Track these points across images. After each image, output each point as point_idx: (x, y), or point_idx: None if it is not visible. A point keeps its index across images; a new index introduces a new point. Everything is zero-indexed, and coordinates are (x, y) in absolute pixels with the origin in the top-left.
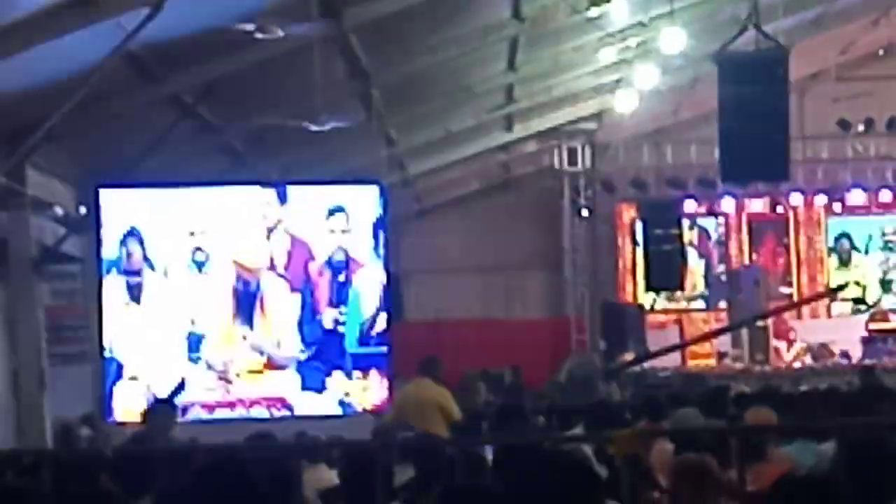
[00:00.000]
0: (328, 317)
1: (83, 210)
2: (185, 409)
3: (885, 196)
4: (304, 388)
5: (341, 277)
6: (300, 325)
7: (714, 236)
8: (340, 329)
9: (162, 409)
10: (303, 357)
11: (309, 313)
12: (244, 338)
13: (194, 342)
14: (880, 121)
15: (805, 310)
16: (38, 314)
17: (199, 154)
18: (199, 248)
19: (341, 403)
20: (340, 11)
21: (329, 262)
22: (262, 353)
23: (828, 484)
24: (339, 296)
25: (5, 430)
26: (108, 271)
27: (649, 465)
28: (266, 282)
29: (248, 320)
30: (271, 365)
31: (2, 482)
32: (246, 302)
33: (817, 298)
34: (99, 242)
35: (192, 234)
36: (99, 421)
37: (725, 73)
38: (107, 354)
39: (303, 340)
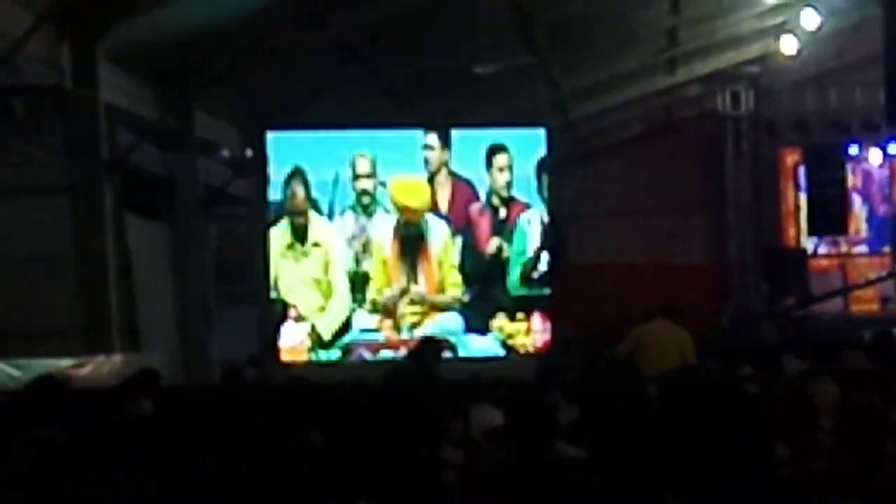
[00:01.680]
0: (491, 246)
1: (249, 152)
2: (350, 350)
3: None
4: (468, 329)
5: (502, 215)
6: (462, 265)
7: (878, 181)
8: (503, 259)
9: None
10: (465, 298)
11: (470, 252)
12: (408, 291)
13: (359, 284)
14: None
15: None
16: (205, 255)
17: (363, 97)
18: (364, 192)
19: (504, 345)
20: None
21: (490, 203)
22: (427, 307)
23: None
24: (501, 231)
25: (173, 370)
26: (274, 213)
27: (816, 406)
28: (429, 224)
29: (412, 262)
30: (435, 307)
31: (170, 417)
32: (409, 244)
33: None
34: (265, 184)
35: (357, 176)
36: (265, 362)
37: (893, 13)
38: (273, 295)
39: (465, 281)
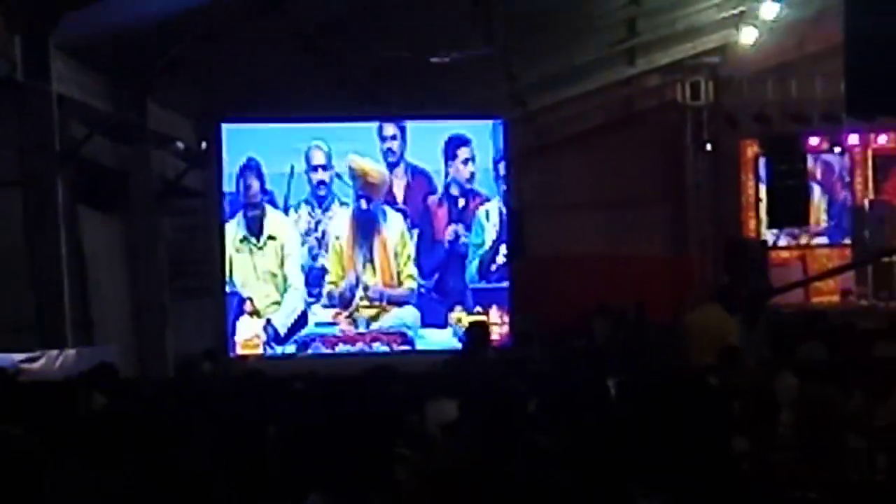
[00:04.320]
0: (449, 233)
1: (204, 144)
2: (306, 344)
3: None
4: (425, 323)
5: (461, 205)
6: (419, 256)
7: (838, 172)
8: (461, 248)
9: None
10: (423, 290)
11: (428, 243)
12: (364, 282)
13: (315, 277)
14: None
15: None
16: (159, 248)
17: (319, 88)
18: (321, 183)
19: (461, 338)
20: None
21: (448, 194)
22: (384, 301)
23: None
24: (459, 219)
25: (128, 363)
26: (228, 206)
27: (776, 399)
28: (385, 215)
29: (368, 254)
30: (392, 300)
31: (125, 409)
32: (365, 234)
33: None
34: (219, 176)
35: (312, 167)
36: (220, 355)
37: (853, 4)
38: (228, 289)
39: (421, 273)
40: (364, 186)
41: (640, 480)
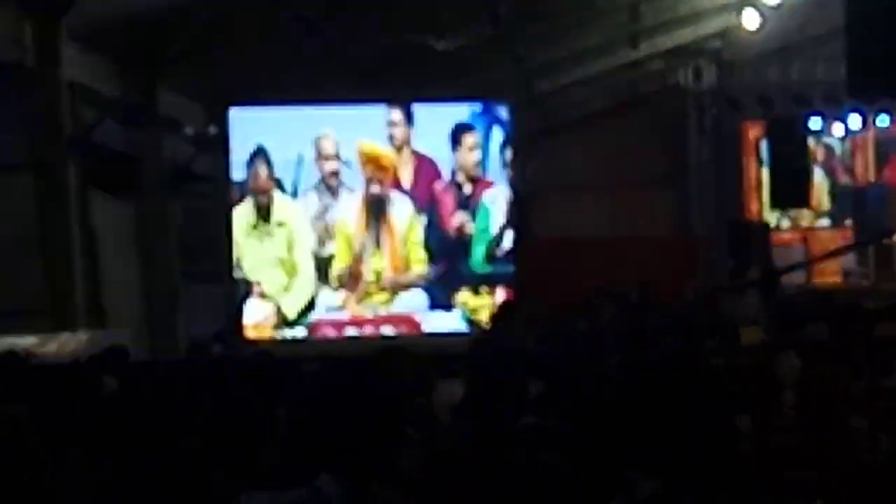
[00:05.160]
0: (455, 222)
1: (213, 129)
2: (315, 328)
3: None
4: (432, 306)
5: (467, 192)
6: (426, 242)
7: (840, 154)
8: (467, 237)
9: None
10: (429, 275)
11: (434, 229)
12: (373, 269)
13: (323, 262)
14: None
15: None
16: (170, 233)
17: (326, 74)
18: (331, 173)
19: (468, 321)
20: None
21: (454, 180)
22: (392, 285)
23: None
24: (465, 206)
25: (139, 347)
26: (238, 191)
27: (778, 379)
28: (393, 201)
29: (377, 239)
30: (399, 285)
31: (136, 392)
32: (374, 220)
33: None
34: (229, 162)
35: (322, 157)
36: (230, 338)
37: None
38: (237, 274)
39: (429, 258)
40: (373, 170)
41: (641, 461)
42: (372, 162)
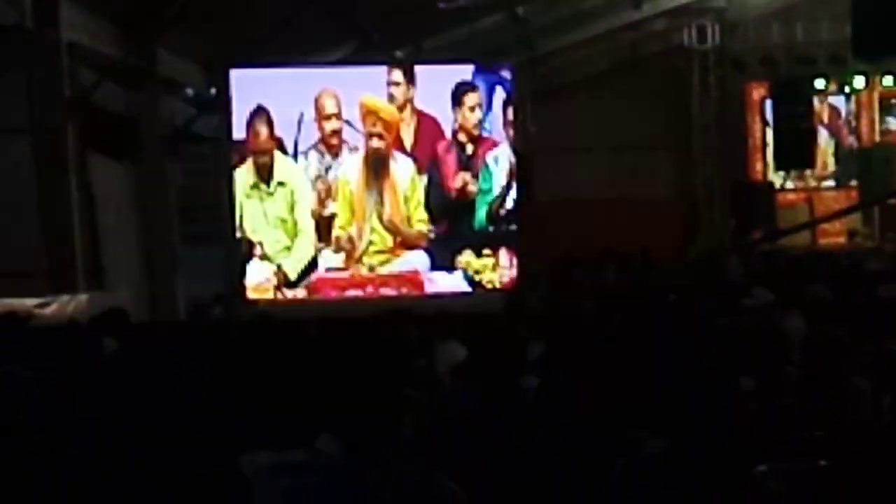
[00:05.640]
0: (458, 182)
1: (213, 91)
2: (316, 289)
3: None
4: (434, 267)
5: (469, 152)
6: (428, 202)
7: (844, 114)
8: (469, 197)
9: None
10: (432, 235)
11: (437, 189)
12: (379, 216)
13: (324, 222)
14: None
15: None
16: (170, 194)
17: (327, 35)
18: (333, 132)
19: (470, 281)
20: None
21: (456, 139)
22: (394, 245)
23: None
24: (468, 167)
25: (139, 309)
26: (238, 152)
27: (782, 339)
28: (395, 160)
29: (379, 197)
30: (401, 244)
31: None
32: (376, 180)
33: None
34: (229, 123)
35: (323, 117)
36: (231, 300)
37: None
38: (238, 235)
39: (431, 218)
40: (374, 124)
41: (645, 421)
42: (373, 115)
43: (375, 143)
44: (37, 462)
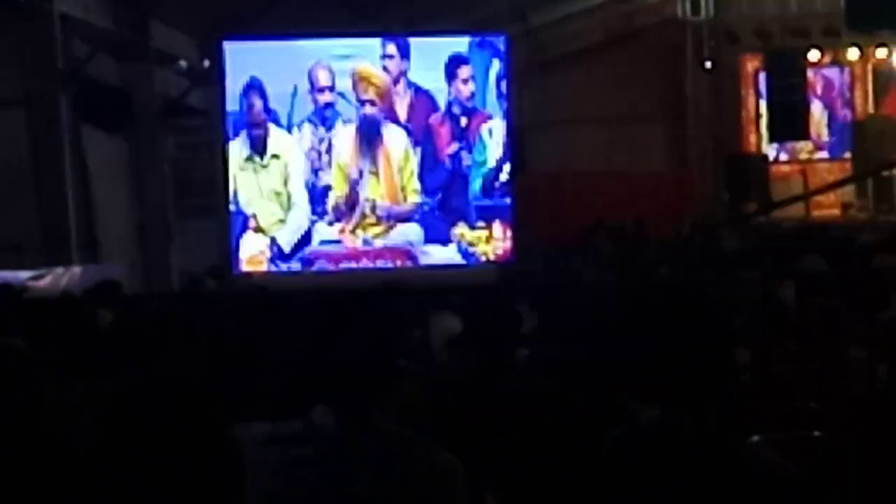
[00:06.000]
0: (451, 151)
1: (206, 63)
2: (310, 261)
3: None
4: (428, 240)
5: (463, 124)
6: (422, 174)
7: (838, 86)
8: (464, 166)
9: None
10: (426, 207)
11: (430, 161)
12: (371, 204)
13: (318, 195)
14: None
15: None
16: (163, 167)
17: (320, 7)
18: (326, 105)
19: (465, 253)
20: None
21: (450, 113)
22: (388, 217)
23: None
24: (462, 138)
25: (133, 282)
26: (232, 125)
27: (777, 310)
28: (389, 130)
29: (373, 167)
30: (395, 217)
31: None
32: (370, 149)
33: None
34: (223, 96)
35: (317, 89)
36: (225, 272)
37: None
38: (232, 208)
39: (425, 190)
40: (367, 90)
41: (640, 391)
42: (365, 81)
43: (368, 109)
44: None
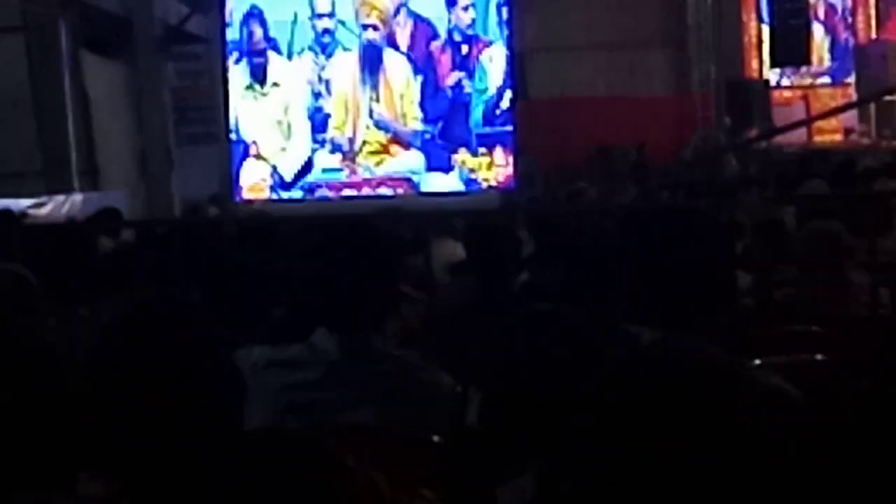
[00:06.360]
0: (452, 79)
1: None
2: (311, 190)
3: None
4: (430, 167)
5: (464, 52)
6: (423, 102)
7: (840, 11)
8: (465, 94)
9: None
10: (427, 135)
11: (432, 89)
12: (370, 111)
13: (319, 123)
14: None
15: None
16: (164, 94)
17: None
18: (325, 31)
19: (466, 181)
20: None
21: (451, 41)
22: (388, 130)
23: None
24: (463, 66)
25: (134, 210)
26: (232, 52)
27: (779, 232)
28: (390, 55)
29: (375, 92)
30: (396, 141)
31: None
32: (371, 74)
33: None
34: (223, 23)
35: (318, 16)
36: (226, 200)
37: None
38: (233, 135)
39: (426, 118)
40: (369, 14)
41: (641, 315)
42: (367, 5)
43: (370, 34)
44: (33, 353)
